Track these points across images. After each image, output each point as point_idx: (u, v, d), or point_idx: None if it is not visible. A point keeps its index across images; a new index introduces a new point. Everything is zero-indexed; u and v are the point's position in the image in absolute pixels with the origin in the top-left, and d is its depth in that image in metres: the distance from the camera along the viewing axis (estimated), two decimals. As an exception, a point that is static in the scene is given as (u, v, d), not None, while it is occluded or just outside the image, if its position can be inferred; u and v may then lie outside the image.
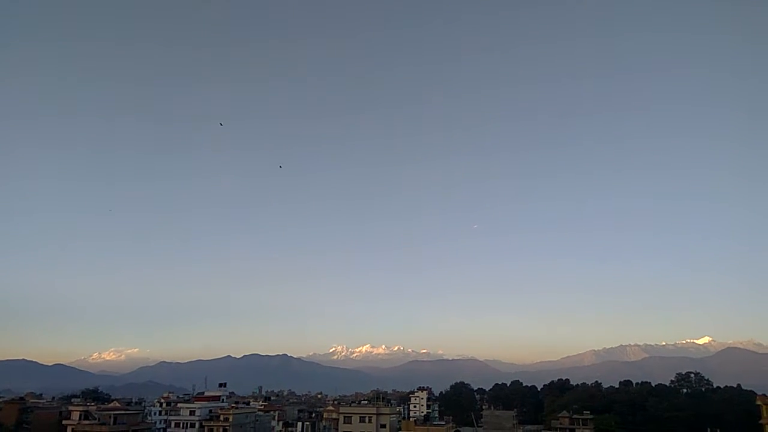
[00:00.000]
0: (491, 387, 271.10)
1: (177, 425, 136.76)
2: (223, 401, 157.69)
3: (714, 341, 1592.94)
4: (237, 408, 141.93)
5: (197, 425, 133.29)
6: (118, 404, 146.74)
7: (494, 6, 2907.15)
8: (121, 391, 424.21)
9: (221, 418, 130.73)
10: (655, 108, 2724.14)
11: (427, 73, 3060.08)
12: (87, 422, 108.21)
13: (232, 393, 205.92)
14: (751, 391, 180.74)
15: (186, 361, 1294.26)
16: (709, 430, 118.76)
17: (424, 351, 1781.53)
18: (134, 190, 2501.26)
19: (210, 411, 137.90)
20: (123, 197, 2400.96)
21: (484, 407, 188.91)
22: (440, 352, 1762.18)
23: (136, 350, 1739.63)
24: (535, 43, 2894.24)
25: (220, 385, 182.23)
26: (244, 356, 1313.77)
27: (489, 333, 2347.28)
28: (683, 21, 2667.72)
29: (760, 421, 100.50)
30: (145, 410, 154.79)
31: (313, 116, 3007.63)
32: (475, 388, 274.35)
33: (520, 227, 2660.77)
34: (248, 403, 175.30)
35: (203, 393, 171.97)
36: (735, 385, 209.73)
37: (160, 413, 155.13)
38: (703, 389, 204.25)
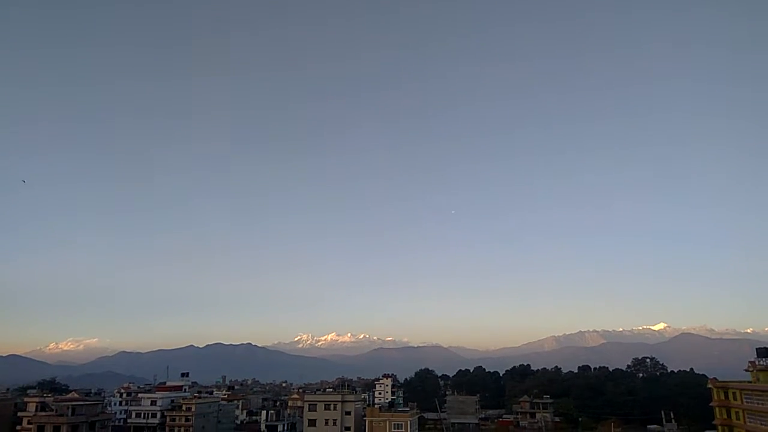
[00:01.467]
0: (455, 373, 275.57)
1: (138, 415, 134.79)
2: (185, 391, 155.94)
3: (669, 327, 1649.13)
4: (200, 397, 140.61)
5: (159, 415, 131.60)
6: (76, 395, 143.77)
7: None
8: (79, 382, 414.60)
9: (183, 407, 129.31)
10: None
11: (399, 59, 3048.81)
12: (44, 414, 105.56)
13: (195, 383, 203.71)
14: (703, 375, 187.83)
15: (147, 350, 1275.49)
16: (663, 412, 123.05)
17: (390, 339, 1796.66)
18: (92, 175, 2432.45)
19: (172, 401, 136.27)
20: (77, 179, 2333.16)
21: (447, 393, 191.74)
22: (405, 339, 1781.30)
23: (95, 340, 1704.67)
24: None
25: (183, 374, 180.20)
26: (207, 345, 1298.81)
27: (454, 320, 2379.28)
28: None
29: (711, 404, 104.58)
30: (105, 401, 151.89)
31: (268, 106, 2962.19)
32: (440, 375, 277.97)
33: (485, 217, 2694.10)
34: (211, 393, 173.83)
35: (165, 383, 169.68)
36: (688, 370, 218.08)
37: (120, 404, 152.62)
38: (658, 374, 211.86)
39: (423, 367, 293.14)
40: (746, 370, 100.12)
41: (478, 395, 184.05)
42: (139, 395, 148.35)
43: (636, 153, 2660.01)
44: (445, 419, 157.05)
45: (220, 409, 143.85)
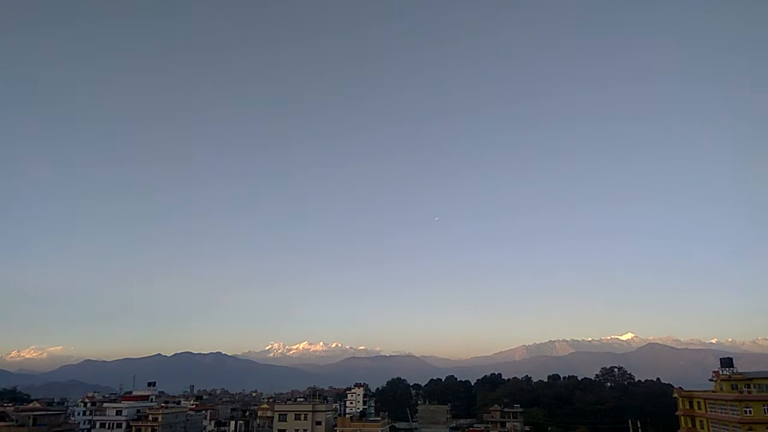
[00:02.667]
0: (427, 382, 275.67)
1: (102, 426, 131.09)
2: (152, 401, 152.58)
3: (636, 337, 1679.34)
4: (167, 407, 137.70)
5: (124, 425, 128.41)
6: (38, 404, 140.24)
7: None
8: (42, 391, 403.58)
9: (150, 418, 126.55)
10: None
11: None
12: (3, 424, 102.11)
13: (162, 392, 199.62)
14: (669, 384, 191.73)
15: (113, 359, 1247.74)
16: (630, 421, 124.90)
17: (362, 348, 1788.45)
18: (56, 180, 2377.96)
19: (138, 411, 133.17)
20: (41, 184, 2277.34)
21: (419, 402, 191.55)
22: (378, 348, 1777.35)
23: (59, 348, 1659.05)
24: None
25: (149, 384, 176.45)
26: (175, 354, 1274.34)
27: (426, 330, 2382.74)
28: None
29: (677, 413, 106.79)
30: (68, 411, 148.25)
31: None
32: (411, 384, 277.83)
33: (455, 227, 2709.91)
34: (179, 403, 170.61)
35: (131, 392, 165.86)
36: (655, 379, 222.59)
37: (84, 413, 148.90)
38: (625, 383, 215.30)
39: (395, 377, 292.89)
40: (710, 380, 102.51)
41: (449, 404, 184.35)
42: (104, 405, 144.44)
43: (609, 163, 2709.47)
44: (416, 429, 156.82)
45: (188, 420, 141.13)
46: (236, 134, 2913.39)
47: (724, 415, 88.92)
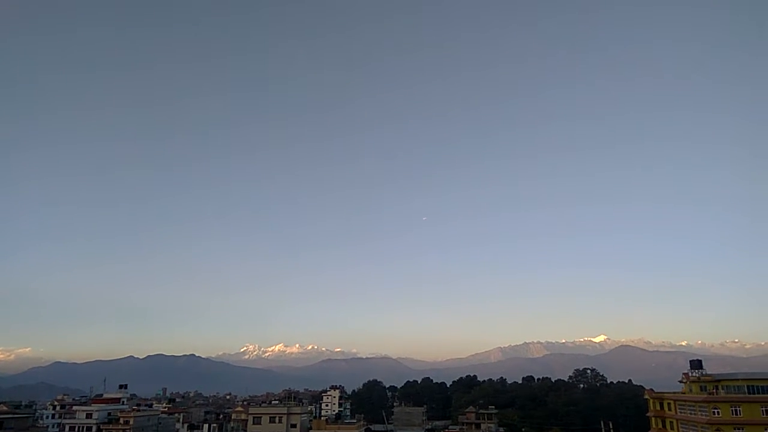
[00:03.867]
0: (403, 384, 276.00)
1: (72, 429, 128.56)
2: (123, 403, 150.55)
3: (609, 339, 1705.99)
4: (138, 410, 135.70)
5: (94, 429, 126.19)
6: (5, 407, 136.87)
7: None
8: (9, 394, 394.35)
9: (121, 420, 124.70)
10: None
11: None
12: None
13: (134, 395, 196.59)
14: (640, 385, 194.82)
15: (84, 361, 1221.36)
16: (602, 422, 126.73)
17: (338, 350, 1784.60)
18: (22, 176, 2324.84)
19: (109, 414, 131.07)
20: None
21: (395, 404, 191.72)
22: (354, 350, 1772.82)
23: (27, 350, 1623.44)
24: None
25: (121, 386, 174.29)
26: (148, 356, 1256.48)
27: (402, 331, 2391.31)
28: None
29: (648, 414, 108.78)
30: (37, 414, 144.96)
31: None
32: (388, 386, 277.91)
33: (433, 229, 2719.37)
34: (151, 406, 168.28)
35: (102, 395, 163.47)
36: (626, 381, 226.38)
37: (53, 416, 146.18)
38: (598, 384, 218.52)
39: (371, 379, 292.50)
40: (680, 382, 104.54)
41: (425, 406, 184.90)
42: (74, 408, 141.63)
43: (585, 166, 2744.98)
44: (391, 431, 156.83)
45: (160, 423, 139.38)
46: (214, 139, 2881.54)
47: (693, 416, 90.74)
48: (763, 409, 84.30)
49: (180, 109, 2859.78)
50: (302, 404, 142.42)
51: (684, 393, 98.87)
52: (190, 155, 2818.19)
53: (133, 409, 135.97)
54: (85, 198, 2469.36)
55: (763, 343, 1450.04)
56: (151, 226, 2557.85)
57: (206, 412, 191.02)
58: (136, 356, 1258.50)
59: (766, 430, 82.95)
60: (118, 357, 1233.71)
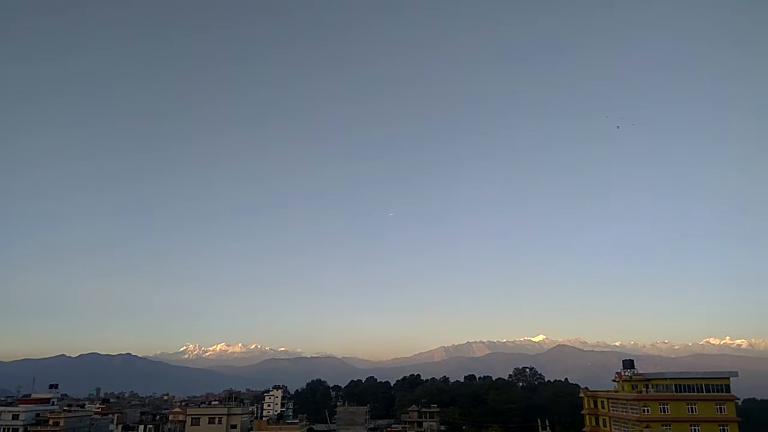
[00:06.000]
0: (347, 384, 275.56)
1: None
2: (53, 404, 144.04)
3: (547, 339, 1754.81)
4: (69, 411, 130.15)
5: (21, 430, 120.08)
6: None
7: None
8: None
9: (50, 422, 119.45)
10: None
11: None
12: None
13: (65, 395, 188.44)
14: (576, 384, 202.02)
15: (11, 360, 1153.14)
16: (539, 420, 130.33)
17: (283, 349, 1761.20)
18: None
19: (37, 415, 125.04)
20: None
21: (339, 404, 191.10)
22: (299, 350, 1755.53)
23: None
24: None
25: (51, 386, 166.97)
26: (80, 355, 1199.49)
27: (348, 331, 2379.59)
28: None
29: (582, 412, 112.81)
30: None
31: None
32: (332, 386, 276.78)
33: (377, 228, 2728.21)
34: (83, 406, 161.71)
35: (30, 395, 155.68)
36: (563, 379, 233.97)
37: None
38: (536, 383, 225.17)
39: (315, 378, 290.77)
40: (613, 381, 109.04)
41: (368, 405, 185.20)
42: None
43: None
44: (334, 430, 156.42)
45: (93, 424, 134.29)
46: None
47: (624, 413, 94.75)
48: (689, 407, 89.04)
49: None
50: (243, 405, 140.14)
51: (617, 391, 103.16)
52: (129, 148, 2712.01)
53: (64, 410, 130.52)
54: (9, 190, 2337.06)
55: (690, 344, 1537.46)
56: (90, 218, 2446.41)
57: (142, 413, 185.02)
58: (68, 355, 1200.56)
59: (691, 426, 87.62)
60: (49, 356, 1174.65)
